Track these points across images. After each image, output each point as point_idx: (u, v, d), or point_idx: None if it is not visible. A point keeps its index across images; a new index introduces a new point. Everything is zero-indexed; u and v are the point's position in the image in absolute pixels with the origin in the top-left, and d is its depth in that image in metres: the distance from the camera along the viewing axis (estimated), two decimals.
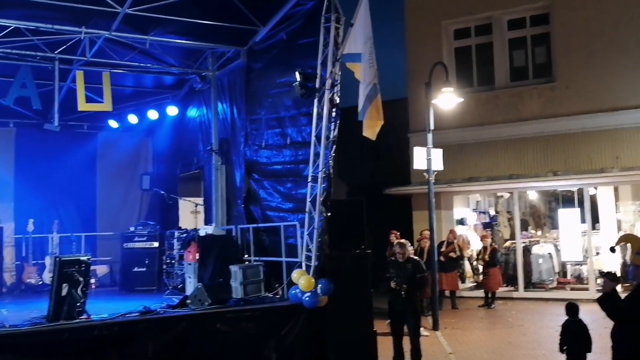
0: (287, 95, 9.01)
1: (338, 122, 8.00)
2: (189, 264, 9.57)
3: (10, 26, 8.83)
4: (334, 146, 8.02)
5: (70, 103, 10.33)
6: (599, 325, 6.72)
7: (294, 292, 7.69)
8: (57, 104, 10.05)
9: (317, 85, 8.14)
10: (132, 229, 11.64)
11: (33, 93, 9.73)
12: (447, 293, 13.12)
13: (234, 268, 8.45)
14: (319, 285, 7.51)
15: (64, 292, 6.96)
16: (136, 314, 7.12)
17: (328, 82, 8.03)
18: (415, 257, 8.37)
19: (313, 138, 8.14)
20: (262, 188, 9.70)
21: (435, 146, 11.43)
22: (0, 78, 9.91)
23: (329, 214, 7.91)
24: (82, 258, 7.38)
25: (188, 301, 7.82)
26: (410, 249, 8.18)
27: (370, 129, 8.04)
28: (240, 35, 9.78)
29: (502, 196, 16.17)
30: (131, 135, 13.32)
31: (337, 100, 8.03)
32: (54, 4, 8.28)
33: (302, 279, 7.58)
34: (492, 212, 16.41)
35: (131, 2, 8.51)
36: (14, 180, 12.30)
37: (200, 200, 11.51)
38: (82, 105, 10.07)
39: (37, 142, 12.29)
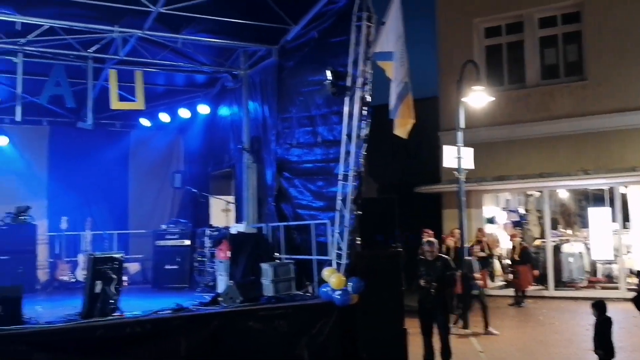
0: (318, 94, 8.99)
1: (369, 120, 7.98)
2: (220, 262, 9.62)
3: (45, 25, 8.96)
4: (365, 144, 8.01)
5: (103, 101, 10.44)
6: (629, 323, 6.61)
7: (324, 290, 7.69)
8: (90, 102, 10.18)
9: (348, 84, 8.14)
10: (164, 226, 11.73)
11: (67, 91, 9.83)
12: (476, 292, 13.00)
13: (265, 266, 8.47)
14: (350, 283, 7.50)
15: (98, 289, 7.05)
16: (169, 312, 7.18)
17: (359, 81, 8.02)
18: (445, 256, 8.34)
19: (344, 136, 8.14)
20: (293, 186, 9.71)
21: (465, 144, 11.35)
22: (35, 77, 10.01)
23: (360, 212, 7.90)
24: (115, 255, 7.47)
25: (220, 299, 7.88)
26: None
27: (402, 128, 7.98)
28: (272, 34, 9.79)
29: (532, 195, 16.05)
30: (163, 133, 13.45)
31: (369, 98, 8.01)
32: (88, 2, 8.39)
33: (333, 277, 7.58)
34: (522, 211, 16.27)
35: (164, 1, 8.58)
36: (47, 179, 12.50)
37: (231, 198, 11.56)
38: (115, 104, 10.16)
39: (70, 140, 12.47)
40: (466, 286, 10.63)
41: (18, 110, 9.80)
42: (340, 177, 8.11)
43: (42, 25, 8.95)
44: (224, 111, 12.26)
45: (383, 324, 7.79)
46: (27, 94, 9.89)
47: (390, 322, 7.92)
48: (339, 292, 7.47)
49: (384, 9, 8.00)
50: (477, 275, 10.61)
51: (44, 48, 9.51)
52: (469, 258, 10.80)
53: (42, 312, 7.65)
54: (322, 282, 7.88)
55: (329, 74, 8.29)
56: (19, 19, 8.71)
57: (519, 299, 13.13)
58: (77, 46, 9.70)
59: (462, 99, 11.43)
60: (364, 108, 8.01)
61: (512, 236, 13.86)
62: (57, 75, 9.72)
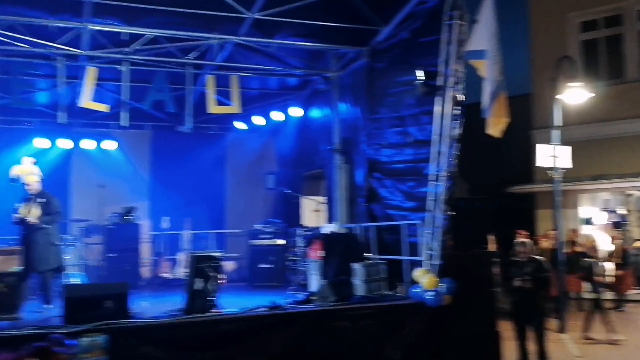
0: (408, 94, 8.99)
1: (461, 120, 7.92)
2: (313, 261, 9.80)
3: (149, 35, 9.49)
4: (457, 144, 7.94)
5: (201, 106, 10.89)
6: None
7: (416, 290, 7.68)
8: (189, 107, 10.67)
9: (439, 83, 8.10)
10: (258, 226, 12.06)
11: (168, 97, 10.32)
12: (572, 295, 12.56)
13: (356, 265, 8.54)
14: (442, 284, 7.46)
15: (198, 286, 7.36)
16: (265, 309, 7.39)
17: (451, 80, 7.96)
18: (538, 257, 8.13)
19: (436, 136, 8.09)
20: (383, 187, 9.75)
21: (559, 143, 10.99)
22: (139, 84, 10.59)
23: (452, 212, 7.84)
24: (214, 254, 7.77)
25: (313, 297, 8.03)
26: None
27: (495, 127, 7.84)
28: (363, 36, 9.88)
29: (632, 194, 15.29)
30: (257, 136, 13.84)
31: (461, 97, 7.94)
32: (189, 12, 8.84)
33: (424, 278, 7.57)
34: (622, 211, 15.52)
35: (259, 7, 8.89)
36: (149, 180, 13.19)
37: (322, 198, 11.74)
38: (213, 108, 10.54)
39: (170, 143, 13.10)
40: (562, 288, 10.28)
41: (124, 116, 10.40)
42: (431, 177, 8.09)
43: (146, 34, 9.49)
44: (315, 113, 12.47)
45: (475, 326, 7.68)
46: (132, 100, 10.47)
47: (482, 324, 7.81)
48: (431, 293, 7.45)
49: (475, 6, 7.90)
50: (600, 278, 10.16)
51: (147, 56, 10.05)
52: (589, 260, 10.36)
53: (147, 307, 8.06)
54: (413, 282, 7.87)
55: (420, 73, 8.28)
56: (125, 29, 9.30)
57: (618, 303, 12.56)
58: (177, 53, 10.20)
59: (558, 96, 11.06)
60: (455, 107, 7.94)
61: (613, 238, 13.27)
62: (159, 82, 10.20)
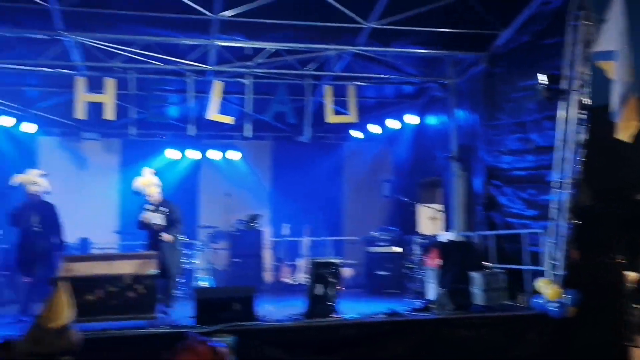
0: (529, 99, 8.74)
1: (587, 124, 7.59)
2: (430, 269, 9.75)
3: (272, 49, 9.91)
4: (582, 150, 7.62)
5: (318, 116, 11.17)
6: None
7: (538, 301, 7.46)
8: (308, 117, 10.99)
9: (563, 87, 7.82)
10: (374, 233, 12.16)
11: (288, 108, 10.70)
12: None
13: (475, 274, 8.42)
14: (566, 295, 7.18)
15: (318, 291, 7.58)
16: (383, 316, 7.48)
17: (576, 83, 7.67)
18: None
19: (559, 142, 7.82)
20: (503, 194, 9.53)
21: None
22: (261, 96, 11.04)
23: (577, 221, 7.53)
24: (334, 261, 7.96)
25: (431, 306, 8.01)
26: None
27: (626, 131, 7.43)
28: (481, 41, 9.73)
29: None
30: (373, 144, 13.96)
31: (587, 101, 7.62)
32: (309, 24, 9.15)
33: (547, 288, 7.32)
34: None
35: (376, 17, 9.03)
36: (270, 189, 13.71)
37: (439, 206, 11.63)
38: (331, 118, 10.78)
39: (289, 153, 13.54)
40: None
41: (247, 127, 10.90)
42: (554, 184, 7.81)
43: (268, 48, 9.91)
44: (431, 120, 12.40)
45: (602, 339, 7.31)
46: (254, 112, 10.94)
47: (610, 338, 7.41)
48: (554, 304, 7.19)
49: (602, 5, 7.56)
50: None
51: (269, 69, 10.49)
52: None
53: (271, 310, 8.39)
54: (535, 293, 7.65)
55: (542, 77, 8.02)
56: (249, 44, 9.77)
57: None
58: (296, 65, 10.54)
59: None
60: (581, 112, 7.64)
61: None
62: (280, 94, 10.60)
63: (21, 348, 2.74)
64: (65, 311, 2.76)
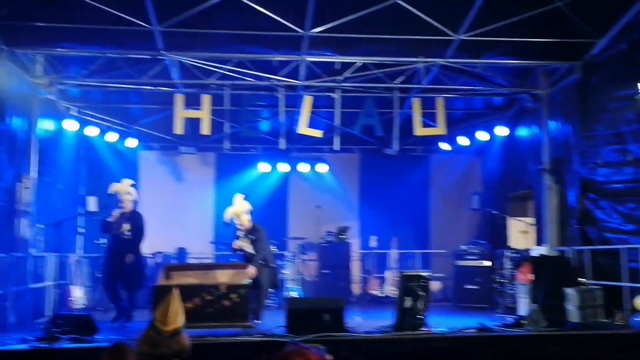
0: (628, 109, 8.46)
1: None
2: (522, 284, 9.53)
3: (359, 63, 10.07)
4: None
5: (406, 128, 11.20)
6: None
7: (638, 319, 7.17)
8: (396, 130, 11.05)
9: None
10: (463, 247, 12.02)
11: (376, 121, 10.79)
12: None
13: (569, 290, 8.17)
14: None
15: (407, 304, 7.58)
16: (474, 330, 7.40)
17: None
18: None
19: None
20: (599, 208, 9.22)
21: None
22: (349, 110, 11.21)
23: None
24: (422, 274, 7.93)
25: (523, 322, 7.84)
26: None
27: None
28: (574, 50, 9.48)
29: None
30: (461, 156, 13.82)
31: None
32: (398, 38, 9.26)
33: None
34: None
35: (466, 29, 9.01)
36: (358, 201, 13.83)
37: (530, 220, 11.36)
38: (419, 131, 10.78)
39: (377, 166, 13.60)
40: None
41: (336, 141, 11.10)
42: None
43: (356, 62, 10.08)
44: (522, 132, 12.14)
45: None
46: (343, 126, 11.12)
47: None
48: None
49: None
50: None
51: (357, 83, 10.64)
52: None
53: (360, 322, 8.47)
54: (634, 311, 7.40)
55: None
56: (338, 59, 9.98)
57: None
58: (384, 79, 10.63)
59: None
60: None
61: None
62: (368, 107, 10.71)
63: (138, 350, 2.98)
64: (178, 316, 3.00)
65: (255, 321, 8.03)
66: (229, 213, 8.78)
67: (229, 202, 10.59)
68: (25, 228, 9.42)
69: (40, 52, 9.63)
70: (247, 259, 8.66)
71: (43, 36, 9.01)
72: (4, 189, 8.78)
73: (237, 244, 8.71)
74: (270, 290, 8.80)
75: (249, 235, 8.70)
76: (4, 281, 8.45)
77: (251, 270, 8.29)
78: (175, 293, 3.19)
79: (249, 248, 8.64)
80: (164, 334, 2.86)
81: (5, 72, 8.87)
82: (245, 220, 8.69)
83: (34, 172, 9.70)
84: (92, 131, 11.83)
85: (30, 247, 9.59)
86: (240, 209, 8.73)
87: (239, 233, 8.72)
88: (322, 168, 13.62)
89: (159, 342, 2.85)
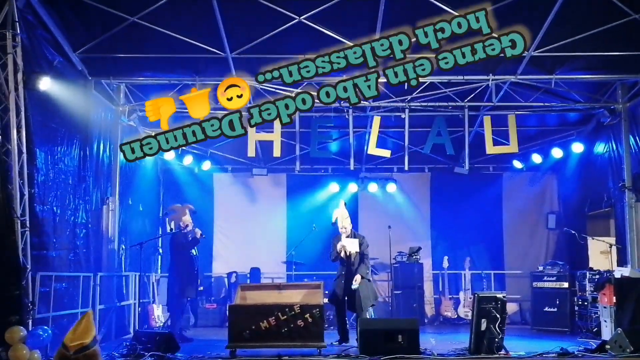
0: None
1: None
2: (605, 307, 9.17)
3: (428, 82, 9.98)
4: None
5: (476, 146, 11.05)
6: None
7: None
8: (467, 148, 10.91)
9: None
10: (540, 268, 11.66)
11: (447, 140, 10.69)
12: None
13: None
14: None
15: (483, 326, 7.43)
16: (554, 355, 7.17)
17: None
18: None
19: None
20: None
21: None
22: (419, 129, 11.16)
23: None
24: (498, 295, 7.75)
25: (607, 346, 7.51)
26: None
27: None
28: None
29: None
30: (535, 174, 13.49)
31: None
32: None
33: None
34: None
35: (537, 44, 8.84)
36: (430, 221, 13.68)
37: (611, 239, 10.92)
38: (490, 149, 10.61)
39: (448, 185, 13.43)
40: None
41: (406, 160, 11.06)
42: None
43: (425, 82, 10.03)
44: (600, 148, 11.72)
45: None
46: (412, 145, 11.08)
47: None
48: None
49: None
50: None
51: (426, 102, 10.59)
52: None
53: (434, 344, 8.35)
54: None
55: None
56: None
57: None
58: (454, 97, 10.53)
59: None
60: None
61: None
62: (438, 126, 10.64)
63: None
64: (87, 332, 3.17)
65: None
66: (335, 214, 9.23)
67: (300, 222, 10.82)
68: (110, 249, 9.86)
69: (122, 82, 10.12)
70: (349, 266, 8.86)
71: (124, 66, 9.55)
72: (91, 211, 9.25)
73: (343, 244, 8.94)
74: (373, 304, 8.96)
75: (353, 239, 9.04)
76: (92, 299, 8.88)
77: (358, 277, 8.65)
78: (90, 312, 3.41)
79: (353, 247, 8.87)
80: (69, 350, 3.09)
81: (92, 101, 9.39)
82: (347, 223, 9.05)
83: (117, 195, 10.15)
84: (169, 155, 12.25)
85: (115, 267, 10.01)
86: (345, 213, 9.14)
87: (342, 236, 9.02)
88: (391, 188, 13.56)
89: (68, 357, 3.09)
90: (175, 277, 9.74)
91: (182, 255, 9.74)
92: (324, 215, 13.07)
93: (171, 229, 10.19)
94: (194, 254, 9.90)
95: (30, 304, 7.04)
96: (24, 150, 7.30)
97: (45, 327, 7.12)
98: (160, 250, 12.49)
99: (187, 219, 9.95)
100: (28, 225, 7.19)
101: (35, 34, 7.91)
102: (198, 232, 9.90)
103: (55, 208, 8.16)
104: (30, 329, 6.86)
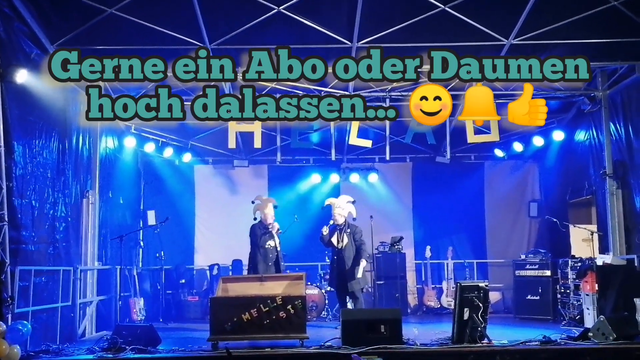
0: None
1: None
2: (587, 295, 9.22)
3: None
4: None
5: (457, 135, 11.00)
6: None
7: None
8: (448, 137, 10.89)
9: None
10: (522, 256, 11.70)
11: (427, 129, 10.67)
12: None
13: (638, 301, 7.87)
14: None
15: (466, 315, 7.42)
16: (537, 343, 7.18)
17: None
18: None
19: None
20: None
21: None
22: (400, 119, 11.05)
23: None
24: (480, 284, 7.75)
25: (590, 334, 7.54)
26: None
27: None
28: (635, 48, 9.17)
29: None
30: (517, 163, 13.54)
31: None
32: (445, 45, 9.06)
33: None
34: None
35: (517, 32, 8.81)
36: (411, 210, 13.66)
37: (593, 227, 10.97)
38: (471, 138, 10.52)
39: (429, 174, 13.42)
40: None
41: (387, 150, 11.01)
42: None
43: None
44: (580, 136, 11.75)
45: None
46: (393, 135, 11.03)
47: None
48: None
49: None
50: None
51: (407, 92, 10.50)
52: None
53: (416, 334, 8.34)
54: None
55: None
56: None
57: None
58: None
59: None
60: None
61: None
62: None
63: None
64: None
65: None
66: (331, 200, 9.86)
67: (282, 214, 10.72)
68: (90, 242, 9.72)
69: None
70: (339, 253, 9.41)
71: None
72: (70, 204, 9.11)
73: (333, 239, 9.46)
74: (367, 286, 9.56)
75: (345, 231, 9.47)
76: (71, 294, 8.79)
77: (363, 262, 9.41)
78: None
79: (342, 244, 9.39)
80: None
81: (70, 94, 9.20)
82: (337, 214, 9.57)
83: (97, 188, 10.00)
84: (149, 147, 12.10)
85: (95, 260, 9.88)
86: (339, 203, 9.65)
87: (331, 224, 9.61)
88: (373, 178, 13.52)
89: None
90: (248, 266, 9.99)
91: (255, 245, 9.84)
92: (306, 206, 13.03)
93: (255, 218, 10.08)
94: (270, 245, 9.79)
95: (9, 299, 6.95)
96: (2, 143, 7.17)
97: (25, 322, 7.03)
98: (142, 244, 12.33)
99: (268, 212, 9.89)
100: (6, 219, 7.11)
101: (12, 27, 7.75)
102: (276, 226, 9.87)
103: (34, 202, 8.02)
104: (9, 323, 6.78)
